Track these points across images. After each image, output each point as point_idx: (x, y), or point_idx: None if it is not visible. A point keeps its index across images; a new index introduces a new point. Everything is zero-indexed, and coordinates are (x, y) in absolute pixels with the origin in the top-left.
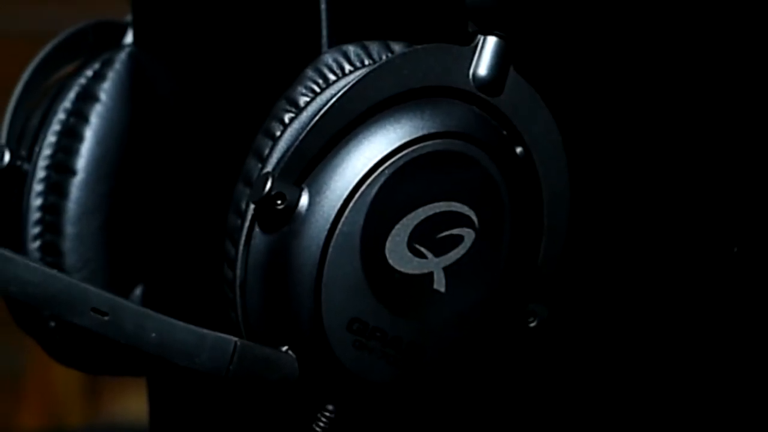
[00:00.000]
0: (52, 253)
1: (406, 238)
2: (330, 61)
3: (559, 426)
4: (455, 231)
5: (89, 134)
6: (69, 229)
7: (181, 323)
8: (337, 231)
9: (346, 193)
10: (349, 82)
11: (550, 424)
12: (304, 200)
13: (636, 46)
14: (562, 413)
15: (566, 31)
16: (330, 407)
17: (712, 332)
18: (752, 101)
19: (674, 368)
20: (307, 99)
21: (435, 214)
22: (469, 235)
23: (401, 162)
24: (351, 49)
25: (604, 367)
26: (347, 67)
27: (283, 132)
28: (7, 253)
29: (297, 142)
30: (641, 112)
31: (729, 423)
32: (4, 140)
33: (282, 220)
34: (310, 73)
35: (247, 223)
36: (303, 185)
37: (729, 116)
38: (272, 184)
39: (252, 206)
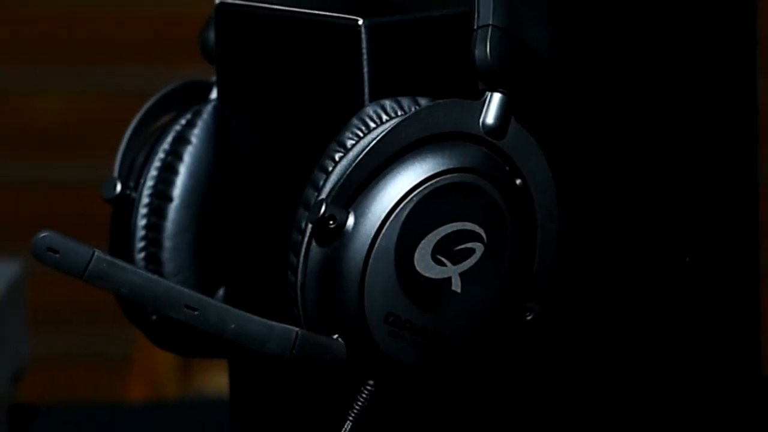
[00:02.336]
0: (153, 262)
1: (430, 250)
2: (371, 113)
3: (552, 402)
4: (468, 245)
5: (183, 169)
6: (167, 243)
7: (254, 317)
8: (376, 245)
9: (384, 215)
10: (385, 129)
11: (544, 399)
12: (351, 221)
13: (606, 105)
14: (552, 391)
15: (555, 90)
16: (370, 383)
17: (667, 326)
18: (697, 147)
19: (639, 357)
20: (353, 141)
21: (452, 232)
22: (479, 248)
23: (426, 191)
24: (387, 103)
25: (585, 354)
26: (384, 117)
27: (334, 167)
28: (119, 262)
29: (345, 176)
30: (611, 153)
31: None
32: (116, 174)
33: (333, 237)
34: (355, 121)
35: (306, 239)
36: (350, 209)
37: (681, 153)
38: (326, 208)
39: (310, 226)
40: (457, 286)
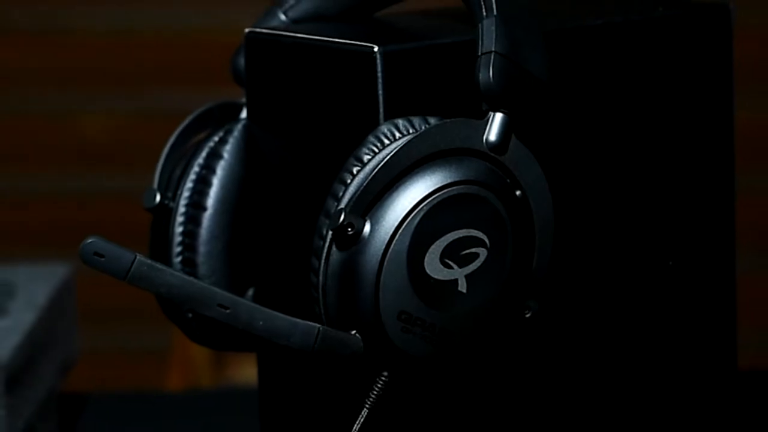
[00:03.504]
0: (189, 265)
1: (438, 254)
2: (385, 130)
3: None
4: (473, 250)
5: (216, 181)
6: (201, 248)
7: (280, 314)
8: (390, 250)
9: (397, 222)
10: (398, 145)
11: (541, 388)
12: (367, 228)
13: (596, 124)
14: (548, 380)
15: (549, 111)
16: (384, 374)
17: (652, 323)
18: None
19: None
20: (369, 156)
21: (459, 238)
22: (483, 252)
23: (435, 201)
24: (399, 122)
25: (579, 347)
26: (397, 135)
27: (352, 180)
28: (158, 265)
29: (362, 187)
30: (601, 167)
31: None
32: (156, 185)
33: (351, 242)
34: (371, 138)
35: (327, 244)
36: (366, 217)
37: (665, 168)
38: (344, 216)
39: (330, 232)
40: (463, 286)
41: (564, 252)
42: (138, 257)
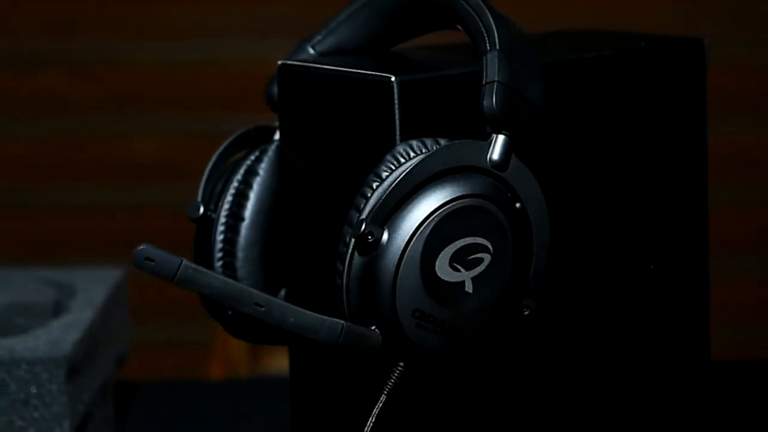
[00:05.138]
0: (229, 269)
1: (448, 259)
2: (401, 150)
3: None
4: (478, 255)
5: (252, 195)
6: (240, 254)
7: (309, 312)
8: (405, 255)
9: (411, 231)
10: (412, 163)
11: (538, 375)
12: (385, 236)
13: (586, 145)
14: (543, 369)
15: (546, 133)
16: (401, 364)
17: (635, 319)
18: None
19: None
20: (387, 173)
21: (466, 244)
22: (487, 257)
23: (445, 212)
24: (414, 143)
25: (571, 340)
26: (411, 154)
27: (372, 194)
28: (202, 269)
29: (380, 200)
30: (591, 184)
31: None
32: (199, 198)
33: (371, 249)
34: (388, 157)
35: (349, 251)
36: (384, 227)
37: (646, 185)
38: (365, 226)
39: (353, 240)
40: (469, 287)
41: (558, 257)
42: (184, 262)
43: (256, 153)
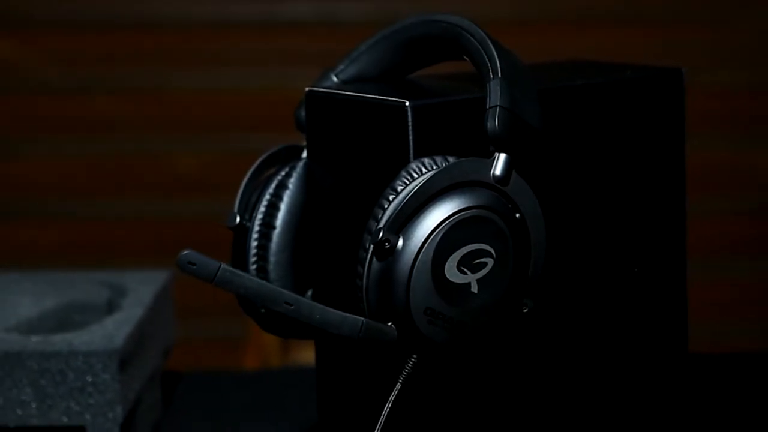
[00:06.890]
0: (262, 271)
1: (456, 263)
2: (414, 167)
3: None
4: (483, 259)
5: (283, 206)
6: (272, 258)
7: (333, 310)
8: (418, 260)
9: (423, 238)
10: (424, 178)
11: (535, 367)
12: (400, 243)
13: (577, 161)
14: (540, 361)
15: (542, 152)
16: (414, 356)
17: (621, 316)
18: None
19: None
20: (402, 187)
21: (472, 250)
22: (490, 262)
23: (454, 221)
24: (425, 160)
25: (565, 335)
26: (423, 170)
27: (388, 205)
28: (238, 272)
29: (396, 211)
30: (581, 196)
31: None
32: (236, 209)
33: (388, 254)
34: (403, 173)
35: (368, 255)
36: (399, 234)
37: (632, 197)
38: (383, 234)
39: (371, 246)
40: (474, 288)
41: (554, 261)
42: (222, 265)
43: (286, 169)
